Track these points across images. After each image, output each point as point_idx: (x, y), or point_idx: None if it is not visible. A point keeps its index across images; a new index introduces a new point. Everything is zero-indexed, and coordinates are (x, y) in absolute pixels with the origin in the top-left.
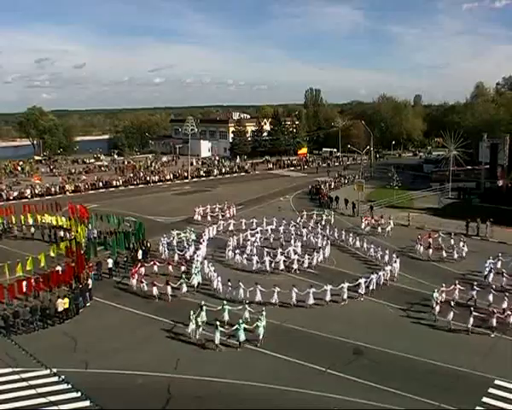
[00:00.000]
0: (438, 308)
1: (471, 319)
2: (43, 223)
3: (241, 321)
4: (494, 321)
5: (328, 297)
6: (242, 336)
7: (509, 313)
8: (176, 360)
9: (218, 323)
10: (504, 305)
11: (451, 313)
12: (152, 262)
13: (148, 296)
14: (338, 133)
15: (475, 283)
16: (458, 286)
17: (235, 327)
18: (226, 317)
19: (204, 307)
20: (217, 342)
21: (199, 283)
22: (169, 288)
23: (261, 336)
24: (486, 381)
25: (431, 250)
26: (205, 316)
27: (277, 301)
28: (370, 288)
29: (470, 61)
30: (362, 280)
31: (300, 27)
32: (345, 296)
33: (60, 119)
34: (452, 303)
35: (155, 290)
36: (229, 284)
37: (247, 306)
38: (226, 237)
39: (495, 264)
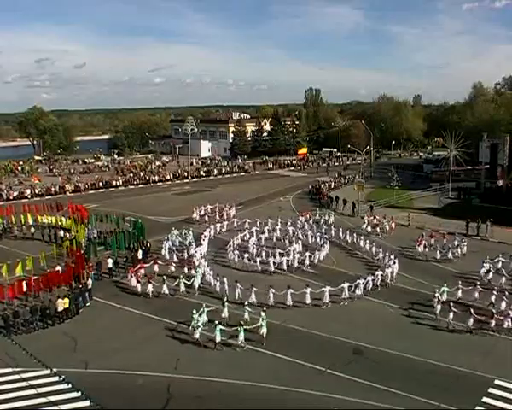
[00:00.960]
0: (439, 307)
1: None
2: (43, 223)
3: (217, 322)
4: (471, 321)
5: (308, 300)
6: (218, 337)
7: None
8: (176, 360)
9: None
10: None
11: (451, 314)
12: (166, 262)
13: (146, 294)
14: (338, 133)
15: (495, 287)
16: (479, 288)
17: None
18: (247, 317)
19: (226, 304)
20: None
21: (196, 284)
22: (150, 286)
23: (242, 340)
24: (486, 381)
25: (450, 255)
26: (227, 312)
27: (255, 302)
28: (358, 292)
29: (470, 61)
30: (345, 285)
31: (300, 27)
32: (327, 300)
33: (60, 119)
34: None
35: (139, 287)
36: (223, 280)
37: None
38: (226, 236)
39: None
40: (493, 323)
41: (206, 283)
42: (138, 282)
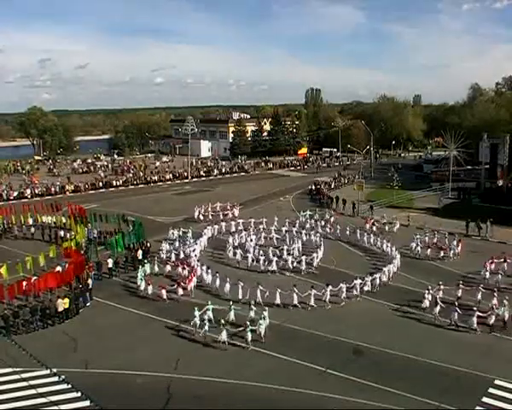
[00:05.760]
0: (438, 309)
1: None
2: (43, 223)
3: (248, 323)
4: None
5: (312, 302)
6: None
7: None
8: (176, 360)
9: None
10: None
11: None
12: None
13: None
14: (338, 133)
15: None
16: (462, 286)
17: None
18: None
19: (232, 307)
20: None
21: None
22: (150, 287)
23: (249, 339)
24: (486, 381)
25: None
26: (233, 316)
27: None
28: (354, 292)
29: (470, 61)
30: (343, 285)
31: (301, 27)
32: (327, 299)
33: (60, 119)
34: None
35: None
36: (217, 275)
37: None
38: (227, 236)
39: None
40: (493, 319)
41: (205, 282)
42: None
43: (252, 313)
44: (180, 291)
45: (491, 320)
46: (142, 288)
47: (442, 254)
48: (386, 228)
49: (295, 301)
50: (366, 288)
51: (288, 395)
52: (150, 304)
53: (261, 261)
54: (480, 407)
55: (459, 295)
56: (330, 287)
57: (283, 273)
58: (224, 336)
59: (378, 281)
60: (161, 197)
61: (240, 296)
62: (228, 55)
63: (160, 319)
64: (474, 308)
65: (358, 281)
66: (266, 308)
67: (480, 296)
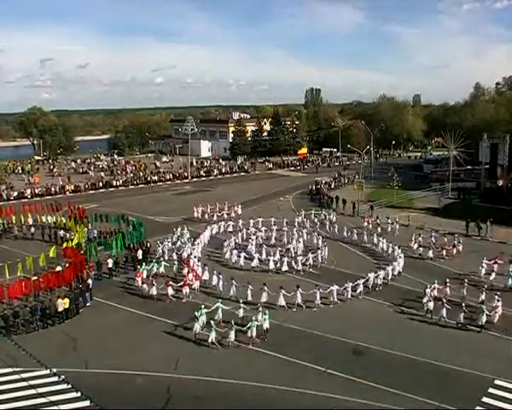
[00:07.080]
0: (431, 305)
1: None
2: (43, 223)
3: (233, 322)
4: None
5: (282, 302)
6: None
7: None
8: (176, 360)
9: (212, 322)
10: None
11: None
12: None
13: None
14: (338, 133)
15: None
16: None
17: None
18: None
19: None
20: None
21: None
22: (169, 288)
23: (253, 334)
24: (486, 381)
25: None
26: (242, 312)
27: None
28: (346, 295)
29: (470, 61)
30: (317, 290)
31: (301, 27)
32: (299, 301)
33: (60, 119)
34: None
35: (154, 290)
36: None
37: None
38: (229, 236)
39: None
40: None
41: (207, 282)
42: (153, 285)
43: (219, 312)
44: (186, 290)
45: (461, 316)
46: (141, 285)
47: (421, 250)
48: (394, 228)
49: (264, 299)
50: (361, 288)
51: (288, 395)
52: (150, 304)
53: (255, 260)
54: (480, 407)
55: (435, 292)
56: (300, 290)
57: (280, 273)
58: (197, 328)
59: (379, 280)
60: (161, 197)
61: (220, 289)
62: (228, 55)
63: (160, 319)
64: (444, 300)
65: (336, 287)
66: (242, 306)
67: (448, 290)
